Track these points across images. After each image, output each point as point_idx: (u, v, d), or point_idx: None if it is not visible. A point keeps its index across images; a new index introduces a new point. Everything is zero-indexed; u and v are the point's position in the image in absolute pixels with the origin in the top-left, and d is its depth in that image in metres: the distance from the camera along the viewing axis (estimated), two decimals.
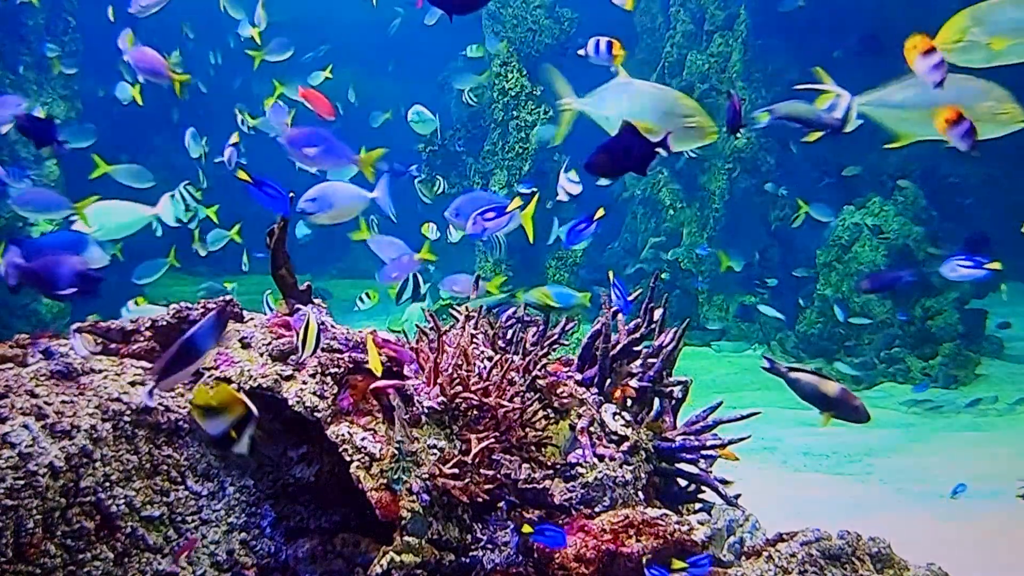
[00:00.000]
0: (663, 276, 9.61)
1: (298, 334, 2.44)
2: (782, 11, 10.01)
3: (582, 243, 9.09)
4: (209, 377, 2.55)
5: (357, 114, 10.18)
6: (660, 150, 2.80)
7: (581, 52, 3.09)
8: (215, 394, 2.09)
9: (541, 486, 2.59)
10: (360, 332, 2.71)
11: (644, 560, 2.39)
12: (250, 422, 2.08)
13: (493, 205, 3.57)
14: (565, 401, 2.89)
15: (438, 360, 2.63)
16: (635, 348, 3.16)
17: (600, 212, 3.37)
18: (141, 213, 5.25)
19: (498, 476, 2.52)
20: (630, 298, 3.33)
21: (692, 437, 3.07)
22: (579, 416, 2.87)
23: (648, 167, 2.89)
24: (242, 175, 2.61)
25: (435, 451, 2.49)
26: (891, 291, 7.89)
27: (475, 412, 2.62)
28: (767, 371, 3.13)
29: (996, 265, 3.97)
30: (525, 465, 2.62)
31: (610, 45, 2.98)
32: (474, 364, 2.68)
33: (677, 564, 2.33)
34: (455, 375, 2.61)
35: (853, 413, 2.99)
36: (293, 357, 2.57)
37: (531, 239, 4.07)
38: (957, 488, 5.53)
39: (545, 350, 3.05)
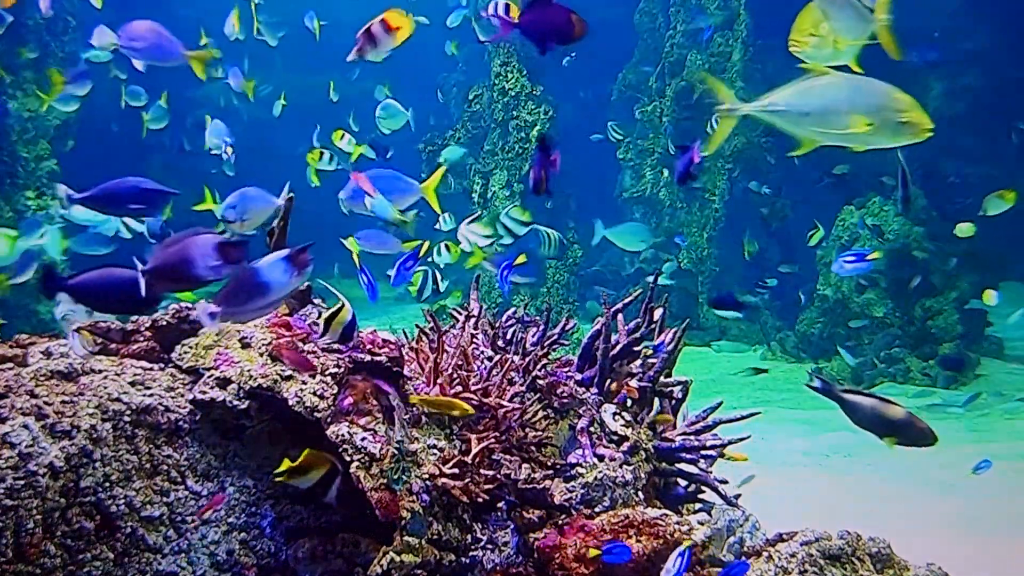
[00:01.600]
0: (663, 276, 9.60)
1: (322, 314, 2.46)
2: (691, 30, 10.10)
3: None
4: (209, 377, 2.55)
5: (361, 119, 10.18)
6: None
7: (484, 14, 3.15)
8: (304, 458, 2.34)
9: (541, 486, 2.59)
10: (360, 333, 2.71)
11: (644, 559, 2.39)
12: (337, 476, 2.35)
13: (410, 252, 3.72)
14: (565, 401, 2.90)
15: (438, 360, 2.63)
16: (635, 348, 3.16)
17: (521, 258, 3.51)
18: (25, 243, 5.09)
19: (498, 476, 2.52)
20: (627, 300, 3.34)
21: (692, 437, 3.07)
22: (579, 416, 2.87)
23: (546, 190, 2.94)
24: (355, 257, 2.77)
25: (435, 451, 2.49)
26: (737, 309, 7.87)
27: (475, 412, 2.62)
28: (817, 392, 2.75)
29: (876, 255, 4.06)
30: (525, 465, 2.62)
31: (508, 7, 3.01)
32: (474, 364, 2.68)
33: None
34: (455, 375, 2.61)
35: (921, 437, 2.69)
36: (316, 341, 2.56)
37: (437, 210, 4.22)
38: (981, 464, 5.48)
39: (545, 350, 3.05)
